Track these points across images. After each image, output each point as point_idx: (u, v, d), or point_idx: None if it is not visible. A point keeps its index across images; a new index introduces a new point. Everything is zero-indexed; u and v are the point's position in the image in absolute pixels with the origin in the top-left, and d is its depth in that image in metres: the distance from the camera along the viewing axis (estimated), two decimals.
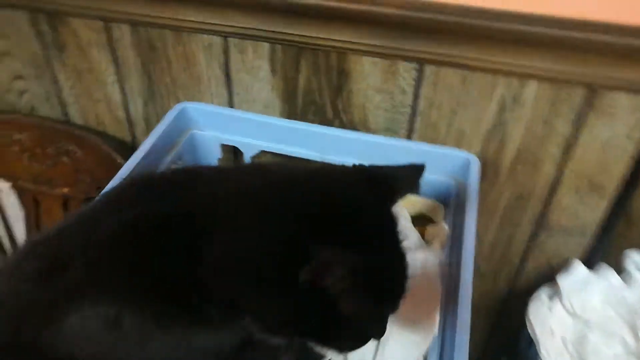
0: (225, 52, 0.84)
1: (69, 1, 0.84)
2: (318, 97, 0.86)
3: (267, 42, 0.81)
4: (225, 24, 0.80)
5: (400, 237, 0.49)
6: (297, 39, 0.79)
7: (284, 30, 0.78)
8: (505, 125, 0.79)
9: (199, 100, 0.90)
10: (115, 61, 0.91)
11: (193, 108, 0.83)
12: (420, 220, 0.81)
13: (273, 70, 0.84)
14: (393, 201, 0.52)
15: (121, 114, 0.97)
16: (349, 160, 0.58)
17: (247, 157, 0.85)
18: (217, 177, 0.53)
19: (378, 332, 0.49)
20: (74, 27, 0.88)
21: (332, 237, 0.42)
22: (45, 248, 0.45)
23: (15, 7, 0.88)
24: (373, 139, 0.80)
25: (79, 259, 0.42)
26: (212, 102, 0.90)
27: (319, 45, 0.79)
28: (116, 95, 0.94)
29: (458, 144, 0.82)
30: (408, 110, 0.83)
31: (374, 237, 0.46)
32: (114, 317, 0.40)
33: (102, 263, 0.42)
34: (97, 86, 0.95)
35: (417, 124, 0.83)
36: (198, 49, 0.85)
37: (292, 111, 0.88)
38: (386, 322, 0.49)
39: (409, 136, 0.85)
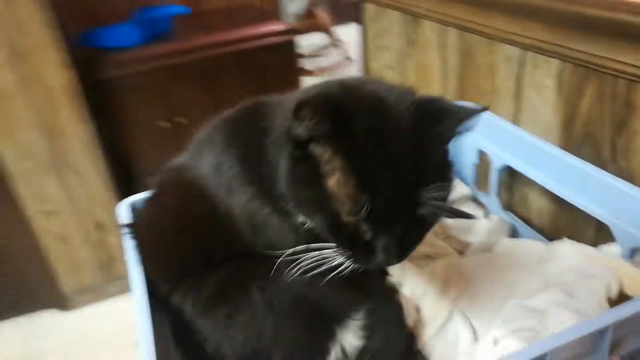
0: (521, 65, 0.82)
1: (424, 6, 1.00)
2: (598, 130, 0.73)
3: (558, 58, 0.75)
4: (525, 34, 0.79)
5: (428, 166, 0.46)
6: (585, 57, 0.70)
7: (574, 47, 0.71)
8: None
9: (492, 110, 0.91)
10: (443, 62, 1.01)
11: None
12: None
13: (559, 91, 0.77)
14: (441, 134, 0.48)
15: None
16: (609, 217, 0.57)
17: (494, 170, 0.81)
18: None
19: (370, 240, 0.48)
20: (424, 28, 1.04)
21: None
22: None
23: (395, 8, 1.11)
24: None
25: None
26: (501, 115, 0.89)
27: (607, 67, 0.68)
28: (437, 92, 1.05)
29: None
30: None
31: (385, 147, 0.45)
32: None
33: None
34: (428, 82, 1.08)
35: None
36: (500, 59, 0.86)
37: (569, 142, 0.78)
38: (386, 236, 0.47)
39: None
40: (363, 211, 0.45)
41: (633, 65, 0.64)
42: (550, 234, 0.81)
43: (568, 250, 0.68)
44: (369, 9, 1.20)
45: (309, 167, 0.47)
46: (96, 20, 2.28)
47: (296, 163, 0.48)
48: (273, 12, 2.54)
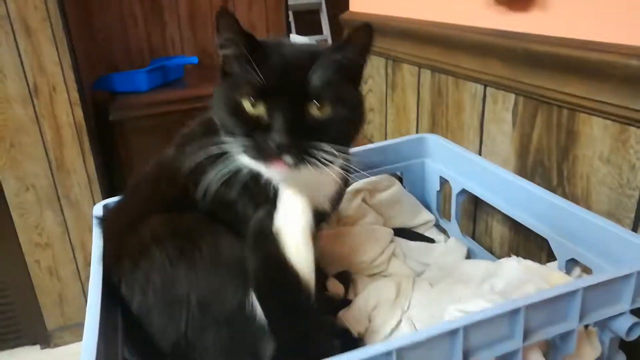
0: (484, 100, 0.89)
1: (403, 49, 1.08)
2: (547, 158, 0.78)
3: (513, 92, 0.82)
4: (486, 71, 0.86)
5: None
6: (534, 89, 0.77)
7: (525, 80, 0.78)
8: None
9: (459, 144, 0.96)
10: (418, 102, 1.08)
11: (432, 139, 0.91)
12: None
13: (514, 123, 0.83)
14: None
15: None
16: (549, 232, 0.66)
17: (454, 194, 0.86)
18: None
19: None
20: (403, 71, 1.12)
21: None
22: None
23: (379, 55, 1.20)
24: (586, 216, 0.63)
25: None
26: (467, 148, 0.94)
27: (552, 98, 0.74)
28: (413, 132, 1.11)
29: None
30: (636, 193, 0.65)
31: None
32: None
33: None
34: (404, 122, 1.15)
35: None
36: (466, 96, 0.93)
37: (523, 170, 0.83)
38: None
39: (634, 228, 0.66)
40: (258, 93, 0.54)
41: (574, 95, 0.70)
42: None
43: (513, 265, 0.71)
44: None
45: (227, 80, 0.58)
46: (116, 67, 2.44)
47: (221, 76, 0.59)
48: None
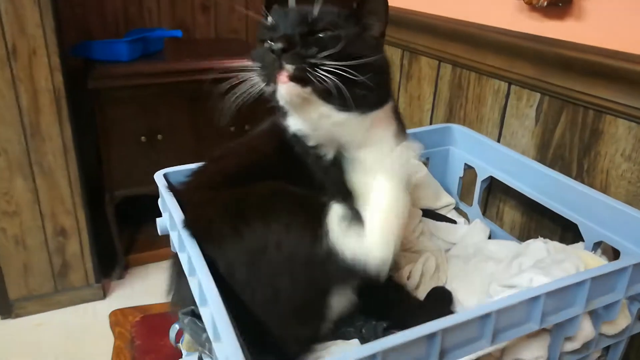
0: (507, 96, 0.97)
1: (422, 42, 1.15)
2: (567, 153, 0.88)
3: (539, 92, 0.91)
4: (512, 70, 0.94)
5: None
6: (562, 91, 0.86)
7: (553, 82, 0.87)
8: None
9: None
10: (435, 94, 1.16)
11: (458, 129, 0.99)
12: None
13: (537, 120, 0.92)
14: None
15: None
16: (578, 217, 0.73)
17: (478, 180, 0.94)
18: None
19: None
20: (420, 63, 1.19)
21: None
22: None
23: (396, 45, 1.26)
24: (615, 204, 0.72)
25: None
26: None
27: (579, 100, 0.83)
28: (426, 121, 1.19)
29: None
30: None
31: None
32: None
33: None
34: (417, 112, 1.22)
35: None
36: (488, 91, 1.01)
37: (542, 162, 0.92)
38: None
39: None
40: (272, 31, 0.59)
41: (601, 98, 0.80)
42: (520, 240, 0.93)
43: (539, 246, 0.80)
44: None
45: None
46: (90, 35, 2.36)
47: None
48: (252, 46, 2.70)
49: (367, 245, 0.58)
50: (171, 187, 0.76)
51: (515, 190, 0.87)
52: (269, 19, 0.63)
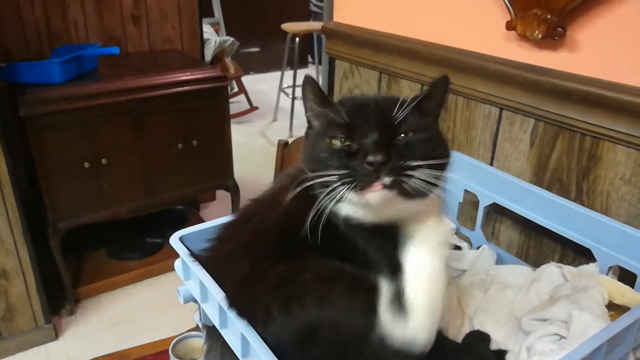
0: (498, 121, 1.01)
1: (403, 67, 1.16)
2: (565, 176, 0.92)
3: (533, 118, 0.94)
4: (504, 97, 0.97)
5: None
6: (558, 118, 0.90)
7: (548, 109, 0.90)
8: None
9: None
10: None
11: (456, 156, 1.01)
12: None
13: (532, 144, 0.96)
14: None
15: None
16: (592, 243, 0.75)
17: (481, 206, 0.97)
18: None
19: None
20: (401, 86, 1.20)
21: None
22: None
23: (373, 68, 1.26)
24: (629, 231, 0.77)
25: None
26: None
27: (576, 127, 0.88)
28: None
29: None
30: None
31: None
32: None
33: None
34: None
35: None
36: (478, 116, 1.04)
37: (539, 184, 0.96)
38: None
39: None
40: (345, 131, 0.60)
41: (599, 126, 0.84)
42: (525, 262, 0.97)
43: (554, 270, 0.84)
44: (341, 65, 1.34)
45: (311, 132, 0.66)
46: (10, 55, 2.17)
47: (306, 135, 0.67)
48: (195, 59, 2.60)
49: (415, 328, 0.59)
50: (193, 254, 0.72)
51: (511, 210, 0.91)
52: (340, 112, 0.61)
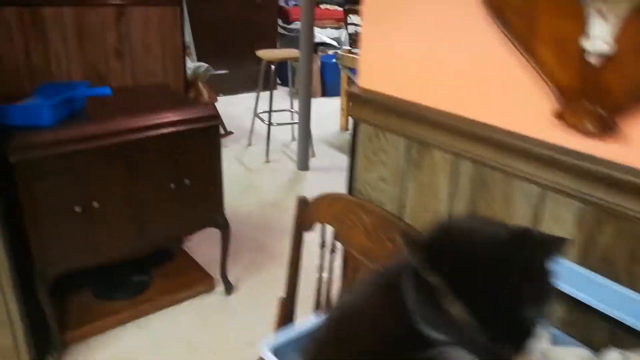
0: (541, 199, 1.03)
1: (435, 138, 1.17)
2: (615, 259, 0.94)
3: (578, 200, 0.97)
4: (546, 178, 0.99)
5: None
6: (606, 204, 0.92)
7: (596, 195, 0.93)
8: None
9: None
10: (452, 186, 1.19)
11: None
12: None
13: (578, 224, 0.98)
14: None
15: None
16: None
17: None
18: None
19: None
20: (433, 155, 1.21)
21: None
22: None
23: (400, 135, 1.27)
24: None
25: None
26: None
27: (627, 215, 0.90)
28: (443, 212, 1.22)
29: None
30: None
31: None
32: None
33: None
34: (432, 201, 1.24)
35: None
36: (517, 192, 1.06)
37: (585, 265, 0.98)
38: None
39: None
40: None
41: None
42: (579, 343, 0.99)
43: (616, 357, 0.87)
44: (365, 129, 1.34)
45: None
46: None
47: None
48: (184, 96, 2.54)
49: None
50: None
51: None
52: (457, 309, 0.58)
